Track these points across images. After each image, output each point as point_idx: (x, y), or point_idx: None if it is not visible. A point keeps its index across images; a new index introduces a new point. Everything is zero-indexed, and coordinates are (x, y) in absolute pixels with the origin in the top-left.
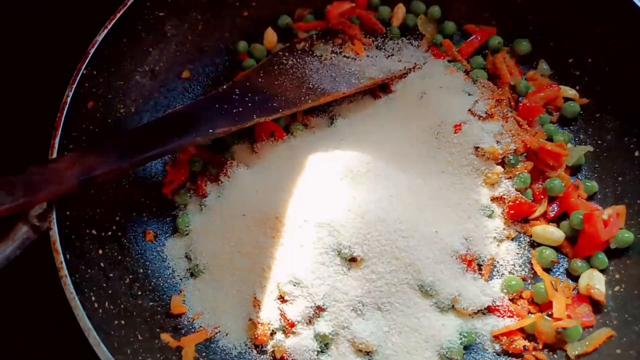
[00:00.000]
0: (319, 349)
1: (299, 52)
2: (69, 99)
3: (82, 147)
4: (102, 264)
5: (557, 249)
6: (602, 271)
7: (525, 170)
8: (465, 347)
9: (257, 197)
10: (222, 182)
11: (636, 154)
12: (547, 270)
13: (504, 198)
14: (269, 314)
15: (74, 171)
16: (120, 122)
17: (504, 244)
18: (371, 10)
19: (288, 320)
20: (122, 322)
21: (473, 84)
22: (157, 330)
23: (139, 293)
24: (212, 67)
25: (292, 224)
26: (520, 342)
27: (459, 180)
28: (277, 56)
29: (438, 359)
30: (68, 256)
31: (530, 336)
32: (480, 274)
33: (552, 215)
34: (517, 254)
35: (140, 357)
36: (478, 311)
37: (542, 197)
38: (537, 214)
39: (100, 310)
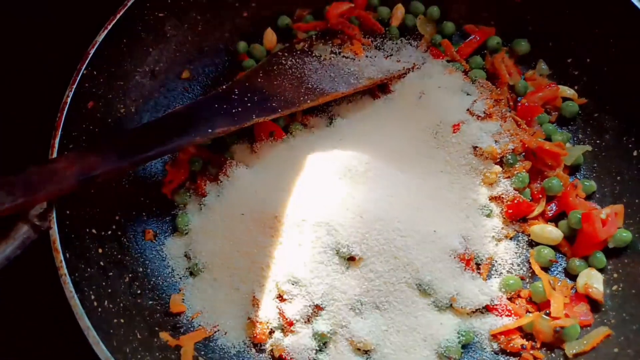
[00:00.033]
0: (318, 348)
1: (298, 52)
2: (69, 99)
3: (82, 147)
4: (101, 263)
5: (556, 248)
6: (600, 270)
7: (524, 170)
8: (464, 346)
9: (256, 196)
10: (221, 182)
11: (634, 153)
12: (546, 269)
13: (503, 197)
14: (267, 313)
15: (73, 171)
16: (120, 122)
17: (502, 243)
18: (370, 10)
19: (287, 319)
20: (122, 320)
21: (472, 84)
22: (156, 329)
23: (139, 292)
24: (211, 67)
25: (291, 223)
26: (518, 341)
27: (457, 180)
28: (276, 56)
29: (436, 358)
30: (68, 255)
31: (528, 335)
32: (478, 273)
33: (551, 215)
34: (516, 253)
35: (139, 356)
36: (476, 310)
37: (541, 196)
38: (535, 213)
39: (100, 309)
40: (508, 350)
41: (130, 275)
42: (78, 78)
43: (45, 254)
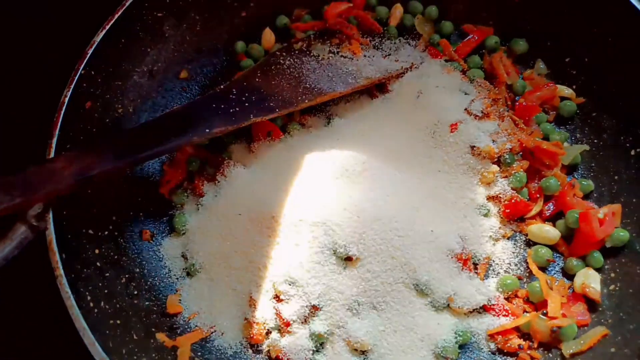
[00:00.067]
0: (315, 348)
1: (297, 52)
2: (66, 99)
3: (80, 147)
4: (98, 264)
5: (553, 247)
6: (598, 270)
7: (521, 169)
8: (461, 346)
9: (253, 196)
10: (219, 182)
11: (632, 153)
12: (543, 269)
13: (500, 197)
14: (264, 313)
15: (71, 171)
16: (118, 122)
17: (499, 243)
18: (369, 10)
19: (283, 320)
20: (118, 321)
21: (470, 84)
22: (153, 329)
23: (135, 292)
24: (210, 67)
25: (288, 223)
26: (516, 341)
27: (454, 179)
28: (274, 56)
29: (433, 358)
30: (64, 256)
31: (525, 335)
32: (475, 272)
33: (548, 214)
34: (513, 252)
35: (135, 357)
36: (473, 310)
37: (538, 196)
38: (532, 212)
39: (96, 310)
40: (505, 350)
41: (127, 275)
42: (76, 78)
43: (43, 255)
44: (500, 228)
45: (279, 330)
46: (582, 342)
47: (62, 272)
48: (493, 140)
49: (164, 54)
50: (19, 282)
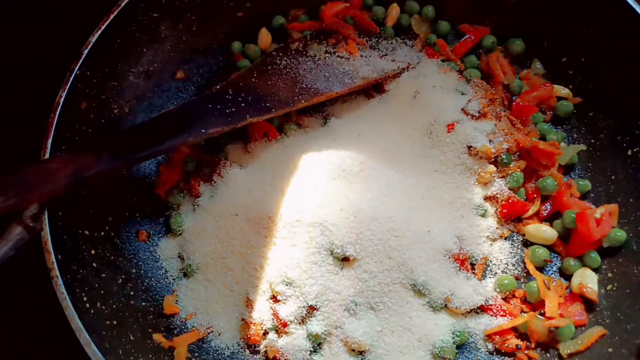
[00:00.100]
0: (312, 349)
1: (293, 52)
2: (62, 100)
3: (75, 147)
4: (94, 264)
5: (550, 247)
6: (595, 270)
7: (518, 169)
8: (458, 346)
9: (250, 197)
10: (215, 182)
11: (629, 152)
12: (540, 269)
13: (497, 197)
14: (261, 314)
15: (66, 171)
16: (114, 122)
17: (497, 243)
18: (365, 10)
19: (281, 320)
20: (114, 322)
21: (466, 83)
22: (150, 330)
23: (132, 293)
24: (206, 68)
25: (285, 224)
26: (513, 341)
27: (451, 180)
28: (271, 56)
29: (431, 358)
30: (60, 256)
31: (523, 335)
32: (473, 273)
33: (545, 214)
34: (510, 253)
35: (132, 358)
36: (471, 310)
37: (535, 196)
38: (530, 212)
39: (92, 311)
40: (503, 351)
41: (123, 276)
42: (71, 78)
43: (39, 255)
44: (497, 228)
45: (276, 331)
46: (579, 342)
47: (57, 272)
48: (490, 140)
49: (160, 54)
50: (16, 283)
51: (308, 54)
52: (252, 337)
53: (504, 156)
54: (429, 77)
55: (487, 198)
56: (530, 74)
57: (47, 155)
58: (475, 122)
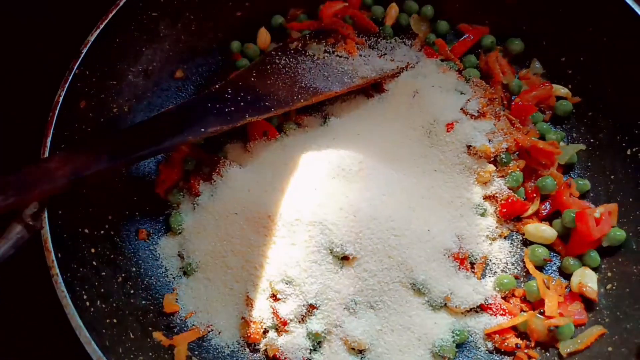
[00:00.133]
0: (312, 347)
1: (292, 51)
2: (61, 99)
3: (74, 146)
4: (94, 263)
5: (550, 247)
6: (595, 269)
7: (518, 169)
8: (458, 345)
9: (249, 196)
10: (215, 181)
11: (628, 152)
12: (540, 268)
13: (497, 196)
14: (261, 312)
15: (65, 170)
16: (113, 121)
17: (496, 242)
18: (364, 9)
19: (280, 319)
20: (114, 320)
21: (466, 83)
22: (150, 328)
23: (132, 292)
24: (205, 67)
25: (285, 223)
26: (513, 340)
27: (451, 179)
28: (270, 55)
29: (430, 357)
30: (60, 255)
31: (522, 334)
32: (472, 272)
33: (545, 214)
34: (510, 252)
35: (132, 356)
36: (470, 309)
37: (535, 195)
38: (529, 212)
39: (92, 309)
40: (502, 350)
41: (123, 275)
42: (70, 77)
43: (39, 254)
44: (496, 227)
45: (276, 330)
46: (579, 341)
47: (57, 271)
48: (489, 140)
49: (159, 54)
50: (16, 282)
51: (307, 54)
52: (252, 336)
53: (504, 155)
54: (428, 76)
55: (486, 197)
56: (530, 74)
57: (46, 154)
58: (475, 121)
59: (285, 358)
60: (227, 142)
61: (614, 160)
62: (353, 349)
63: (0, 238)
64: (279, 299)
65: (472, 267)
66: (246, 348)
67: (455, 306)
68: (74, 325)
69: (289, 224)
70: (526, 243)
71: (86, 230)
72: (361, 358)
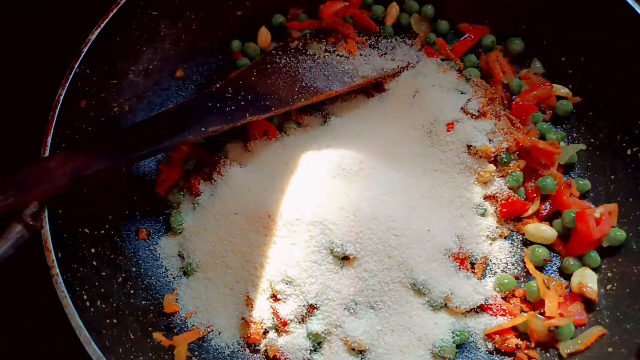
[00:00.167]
0: (312, 348)
1: (292, 50)
2: (61, 98)
3: (75, 145)
4: (94, 263)
5: (550, 247)
6: (595, 269)
7: (518, 169)
8: (458, 346)
9: (250, 195)
10: (215, 181)
11: (628, 152)
12: (540, 268)
13: (497, 196)
14: (261, 313)
15: (65, 170)
16: (114, 120)
17: (496, 242)
18: (365, 9)
19: (281, 319)
20: (114, 320)
21: (466, 83)
22: (150, 329)
23: (132, 292)
24: (206, 66)
25: (285, 223)
26: (513, 341)
27: (451, 179)
28: (270, 55)
29: (431, 358)
30: (60, 255)
31: (522, 334)
32: (473, 272)
33: (545, 214)
34: (510, 252)
35: (132, 356)
36: (471, 309)
37: (535, 195)
38: (529, 212)
39: (92, 309)
40: (502, 350)
41: (123, 274)
42: (71, 77)
43: (39, 253)
44: (497, 227)
45: (277, 330)
46: (579, 341)
47: (57, 271)
48: (489, 140)
49: (159, 53)
50: (16, 281)
51: (307, 53)
52: (252, 336)
53: (504, 155)
54: (428, 76)
55: (486, 197)
56: (530, 74)
57: (46, 154)
58: (475, 121)
59: (285, 358)
60: (227, 141)
61: (614, 160)
62: (353, 349)
63: (0, 238)
64: (279, 299)
65: (473, 267)
66: (246, 348)
67: (456, 306)
68: (74, 325)
69: (290, 224)
70: (526, 243)
71: (86, 230)
72: (361, 358)
